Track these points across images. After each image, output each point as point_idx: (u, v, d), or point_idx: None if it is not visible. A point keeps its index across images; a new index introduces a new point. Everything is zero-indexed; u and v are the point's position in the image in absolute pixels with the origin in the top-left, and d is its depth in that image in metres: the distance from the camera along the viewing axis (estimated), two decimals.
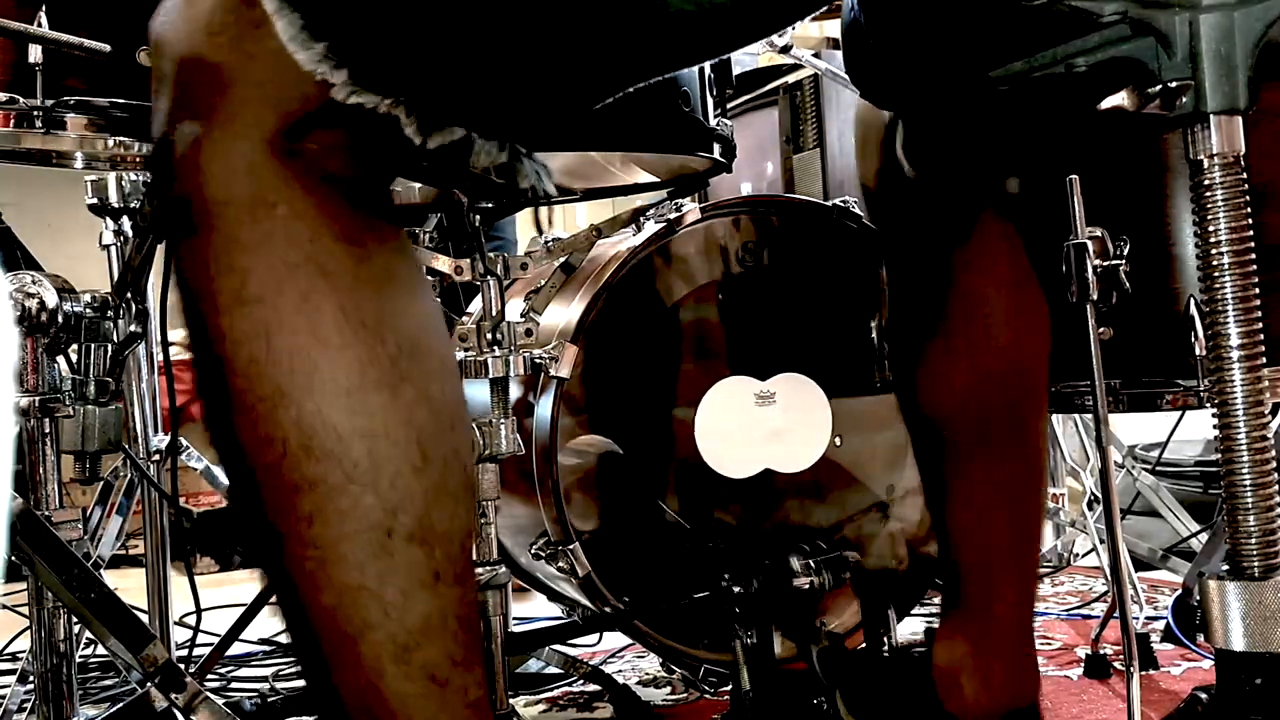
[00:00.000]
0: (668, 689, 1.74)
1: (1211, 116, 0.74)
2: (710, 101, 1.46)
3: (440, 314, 0.76)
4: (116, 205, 1.65)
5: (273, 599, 0.70)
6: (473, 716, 0.70)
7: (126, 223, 1.67)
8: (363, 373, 0.66)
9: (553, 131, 0.74)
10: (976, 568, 1.15)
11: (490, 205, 1.57)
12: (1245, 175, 0.76)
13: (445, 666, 0.68)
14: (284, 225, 0.65)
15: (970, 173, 1.09)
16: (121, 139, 1.30)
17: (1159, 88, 0.74)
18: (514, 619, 1.92)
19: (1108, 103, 0.76)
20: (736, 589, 1.41)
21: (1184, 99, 0.73)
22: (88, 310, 1.38)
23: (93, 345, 1.38)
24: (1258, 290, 0.77)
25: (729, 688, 1.44)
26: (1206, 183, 0.76)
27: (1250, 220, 0.76)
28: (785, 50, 1.94)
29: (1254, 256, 0.76)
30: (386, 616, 0.66)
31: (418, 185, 1.63)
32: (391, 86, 0.65)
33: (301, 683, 1.76)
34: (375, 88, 0.64)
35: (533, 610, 2.18)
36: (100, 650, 1.89)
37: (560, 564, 1.57)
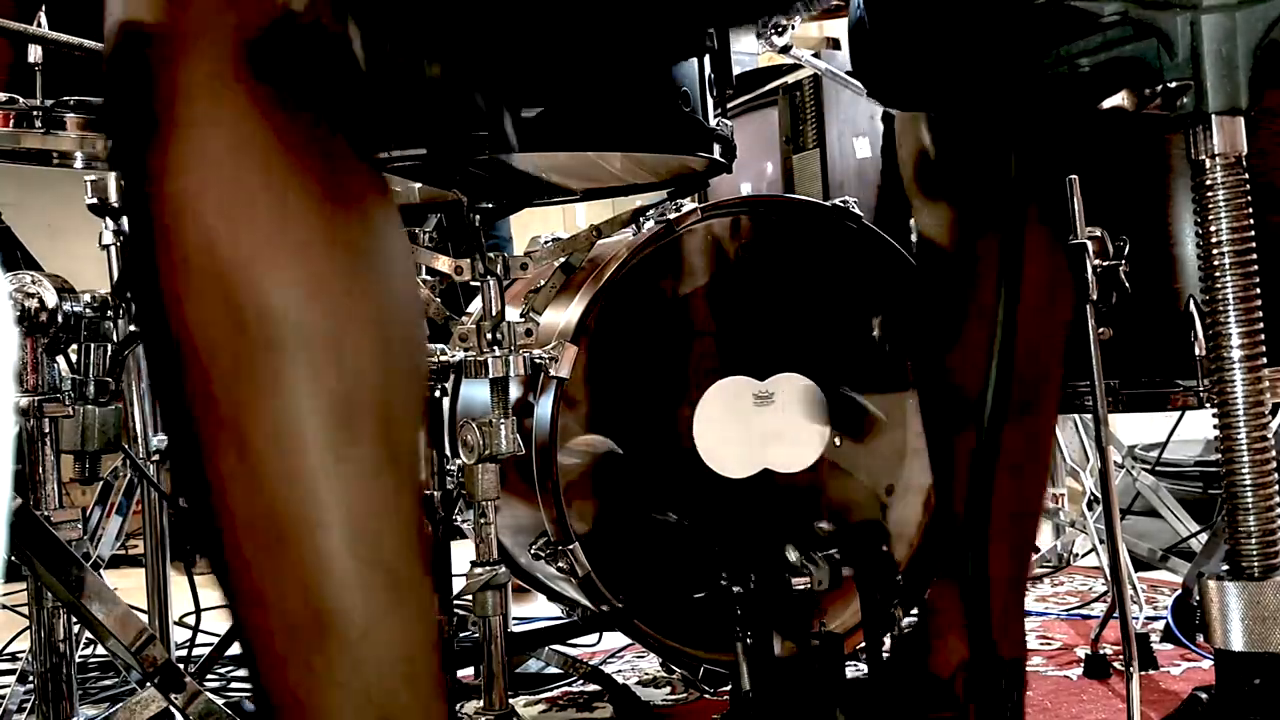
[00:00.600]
0: (667, 689, 1.74)
1: (1213, 117, 0.74)
2: (710, 101, 1.46)
3: (411, 259, 0.73)
4: (116, 205, 1.65)
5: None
6: (426, 614, 0.67)
7: (126, 222, 1.67)
8: (331, 256, 0.64)
9: (517, 71, 0.72)
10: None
11: (490, 205, 1.57)
12: (1247, 175, 0.76)
13: (400, 557, 0.65)
14: (260, 134, 0.63)
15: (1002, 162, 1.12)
16: None
17: (1160, 88, 0.74)
18: (514, 619, 1.92)
19: (1109, 102, 0.76)
20: (736, 589, 1.41)
21: (1185, 99, 0.73)
22: (88, 310, 1.38)
23: (93, 345, 1.38)
24: (1259, 290, 0.77)
25: (729, 688, 1.44)
26: (1208, 183, 0.76)
27: (1252, 220, 0.76)
28: (785, 50, 1.94)
29: (1255, 257, 0.76)
30: (346, 497, 0.63)
31: (418, 185, 1.63)
32: (347, 4, 0.63)
33: None
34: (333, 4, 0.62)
35: (533, 610, 2.18)
36: (100, 650, 1.89)
37: (560, 564, 1.57)
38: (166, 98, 0.63)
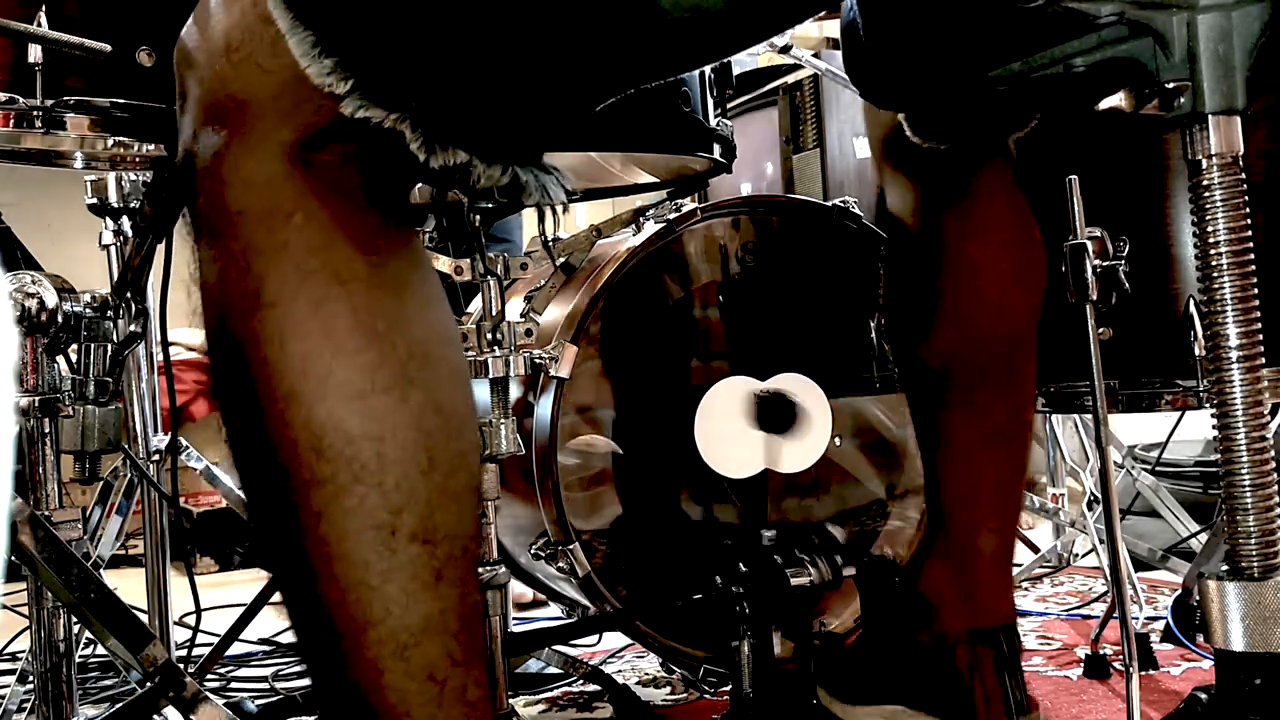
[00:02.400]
0: (668, 689, 1.74)
1: (1210, 117, 0.74)
2: (710, 102, 1.46)
3: (452, 321, 0.79)
4: (116, 205, 1.65)
5: (275, 597, 0.75)
6: (471, 715, 0.71)
7: (126, 223, 1.68)
8: (373, 377, 0.69)
9: (554, 137, 0.78)
10: (962, 501, 1.21)
11: (490, 205, 1.57)
12: (1244, 175, 0.76)
13: (444, 665, 0.70)
14: (299, 233, 0.69)
15: (972, 126, 1.11)
16: (121, 139, 1.30)
17: (1157, 88, 0.74)
18: (514, 619, 1.92)
19: (1106, 103, 0.76)
20: (736, 589, 1.41)
21: (1182, 99, 0.73)
22: (88, 310, 1.38)
23: (93, 345, 1.38)
24: (1256, 290, 0.77)
25: (729, 688, 1.44)
26: (1205, 183, 0.76)
27: (1249, 220, 0.76)
28: (785, 50, 1.94)
29: (1253, 257, 0.76)
30: (388, 613, 0.68)
31: (418, 185, 1.62)
32: (397, 102, 0.68)
33: (302, 682, 1.76)
34: (382, 103, 0.68)
35: (532, 610, 2.18)
36: (100, 650, 1.89)
37: (560, 564, 1.57)
38: (226, 211, 0.70)
